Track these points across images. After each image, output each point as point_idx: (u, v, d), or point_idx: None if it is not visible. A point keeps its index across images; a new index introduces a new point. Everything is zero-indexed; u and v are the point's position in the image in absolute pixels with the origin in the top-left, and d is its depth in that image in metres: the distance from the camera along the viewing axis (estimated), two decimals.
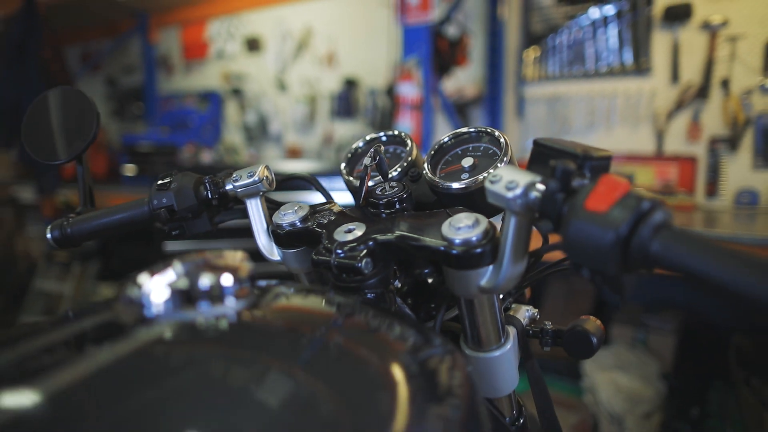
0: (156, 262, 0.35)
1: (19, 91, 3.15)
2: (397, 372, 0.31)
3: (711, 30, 2.09)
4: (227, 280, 0.33)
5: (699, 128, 2.16)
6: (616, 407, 1.86)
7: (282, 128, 3.35)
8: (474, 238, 0.43)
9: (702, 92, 2.13)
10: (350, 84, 3.02)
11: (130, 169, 3.36)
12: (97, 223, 0.62)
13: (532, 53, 2.47)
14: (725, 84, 2.09)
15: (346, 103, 3.05)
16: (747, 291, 0.32)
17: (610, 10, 2.28)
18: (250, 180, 0.56)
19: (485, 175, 0.50)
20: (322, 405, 0.27)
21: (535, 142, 0.46)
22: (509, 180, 0.40)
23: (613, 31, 2.29)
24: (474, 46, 2.49)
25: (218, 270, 0.33)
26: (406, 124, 1.81)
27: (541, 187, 0.39)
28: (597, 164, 0.41)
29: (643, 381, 1.88)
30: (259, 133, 3.40)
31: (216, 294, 0.33)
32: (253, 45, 3.38)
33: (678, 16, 2.14)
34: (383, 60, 2.84)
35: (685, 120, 2.19)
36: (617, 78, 2.31)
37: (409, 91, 1.81)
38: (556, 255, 0.47)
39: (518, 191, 0.39)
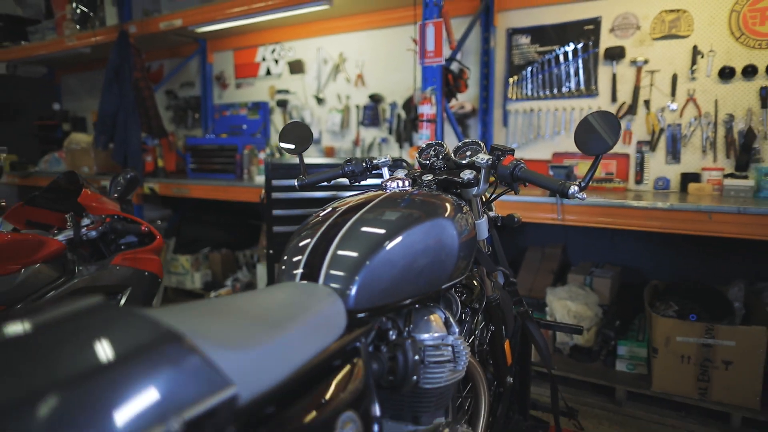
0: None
1: (116, 105, 4.04)
2: (448, 202, 1.18)
3: (637, 66, 2.99)
4: (406, 180, 1.22)
5: (630, 134, 3.05)
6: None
7: (320, 134, 4.23)
8: (471, 177, 1.32)
9: (631, 109, 3.02)
10: (375, 99, 3.90)
11: (194, 165, 4.25)
12: (317, 178, 1.51)
13: (513, 79, 3.36)
14: (647, 104, 2.98)
15: (372, 114, 3.93)
16: (546, 186, 1.21)
17: (569, 49, 3.17)
18: (386, 159, 1.45)
19: (475, 157, 1.38)
20: (420, 207, 1.14)
21: (492, 146, 1.34)
22: (483, 158, 1.29)
23: (571, 65, 3.18)
24: (471, 74, 3.38)
25: (403, 179, 1.22)
26: (425, 133, 2.69)
27: (491, 160, 1.28)
28: (509, 152, 1.29)
29: (586, 307, 2.77)
30: None
31: (402, 183, 1.21)
32: (296, 67, 4.26)
33: (615, 55, 3.03)
34: (402, 82, 3.73)
35: None
36: (574, 98, 3.20)
37: (428, 110, 2.69)
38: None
39: (485, 161, 1.28)
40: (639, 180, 3.03)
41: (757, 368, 2.22)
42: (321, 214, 1.10)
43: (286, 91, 4.35)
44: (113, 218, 2.00)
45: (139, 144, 4.10)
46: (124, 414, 0.46)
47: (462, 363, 1.08)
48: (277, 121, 4.46)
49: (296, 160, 3.41)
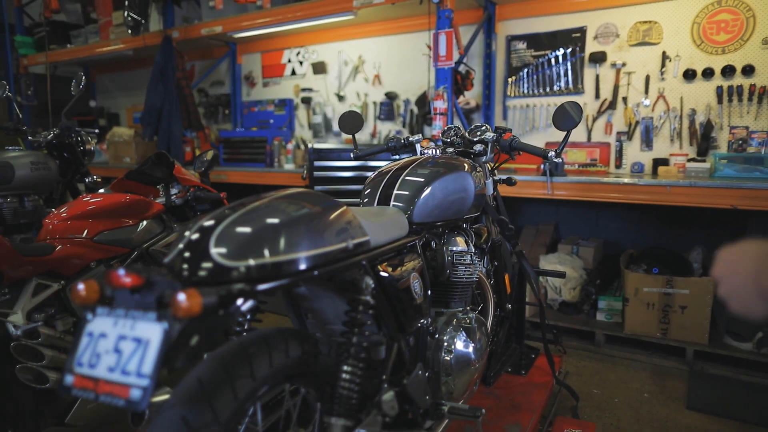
0: None
1: (161, 101, 4.57)
2: (467, 163, 1.72)
3: (616, 68, 3.53)
4: (437, 150, 1.76)
5: (611, 126, 3.59)
6: (556, 283, 3.29)
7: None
8: (481, 149, 1.86)
9: (612, 105, 3.56)
10: (390, 97, 4.43)
11: (226, 156, 4.78)
12: (368, 151, 2.04)
13: (512, 79, 3.90)
14: (624, 100, 3.52)
15: (387, 110, 4.47)
16: (534, 152, 1.75)
17: (559, 53, 3.71)
18: (418, 137, 1.98)
19: (483, 135, 1.92)
20: (445, 167, 1.68)
21: (495, 126, 1.88)
22: (489, 135, 1.84)
23: (561, 67, 3.71)
24: (475, 75, 3.91)
25: (435, 149, 1.76)
26: (438, 124, 3.23)
27: (495, 136, 1.82)
28: (508, 130, 1.84)
29: (573, 270, 3.31)
30: (323, 130, 4.81)
31: (435, 152, 1.75)
32: (319, 68, 4.79)
33: (598, 59, 3.57)
34: (414, 81, 4.27)
35: (603, 121, 3.62)
36: (564, 95, 3.73)
37: (440, 105, 3.23)
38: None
39: (491, 137, 1.83)
40: (618, 165, 3.57)
41: (706, 311, 2.76)
42: (373, 177, 1.63)
43: (310, 89, 4.88)
44: (196, 188, 2.53)
45: (181, 135, 4.63)
46: (325, 232, 1.00)
47: (476, 270, 1.62)
48: (301, 116, 4.99)
49: (332, 145, 3.95)
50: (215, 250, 0.84)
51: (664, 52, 3.36)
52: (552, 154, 1.68)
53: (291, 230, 0.93)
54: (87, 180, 2.81)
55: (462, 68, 3.57)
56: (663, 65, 3.36)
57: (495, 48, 3.93)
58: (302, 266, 0.92)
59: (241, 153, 4.75)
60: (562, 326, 3.16)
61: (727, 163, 3.07)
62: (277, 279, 0.88)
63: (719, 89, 3.20)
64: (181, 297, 0.72)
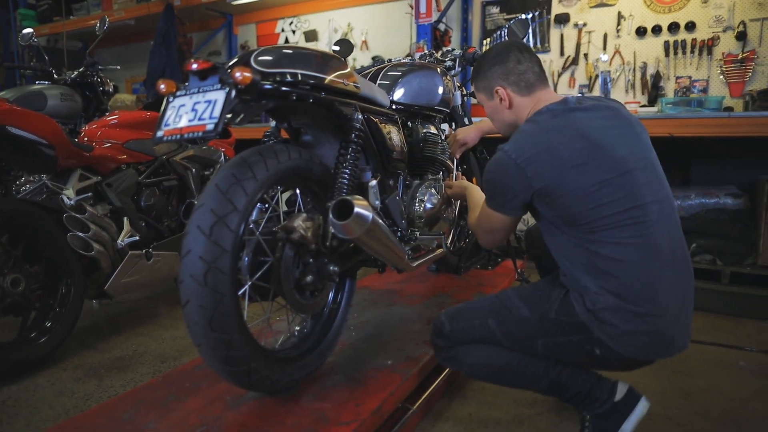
0: None
1: (163, 65, 4.90)
2: (440, 67, 2.11)
3: (578, 28, 3.95)
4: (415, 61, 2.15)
5: (574, 80, 4.01)
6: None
7: None
8: (450, 64, 2.26)
9: (574, 61, 3.98)
10: (377, 60, 4.81)
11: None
12: (360, 71, 2.42)
13: (487, 41, 4.31)
14: (586, 56, 3.94)
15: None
16: None
17: (529, 16, 4.12)
18: (399, 58, 2.37)
19: (452, 53, 2.31)
20: (420, 66, 2.06)
21: (462, 46, 2.28)
22: (457, 52, 2.23)
23: (530, 28, 4.13)
24: (453, 39, 4.31)
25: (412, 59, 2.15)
26: None
27: (461, 52, 2.22)
28: (470, 47, 2.24)
29: None
30: None
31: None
32: (310, 36, 5.16)
33: (562, 20, 3.98)
34: (398, 45, 4.66)
35: (567, 76, 4.04)
36: None
37: (420, 57, 3.62)
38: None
39: (458, 53, 2.23)
40: None
41: None
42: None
43: None
44: None
45: None
46: (330, 69, 1.38)
47: (447, 151, 2.01)
48: None
49: None
50: (254, 62, 1.22)
51: (619, 12, 3.78)
52: None
53: (307, 59, 1.31)
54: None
55: (441, 26, 3.97)
56: (619, 24, 3.79)
57: (471, 16, 4.33)
58: (312, 81, 1.30)
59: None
60: None
61: (672, 107, 3.50)
62: (297, 87, 1.26)
63: (666, 44, 3.63)
64: (238, 72, 1.10)
